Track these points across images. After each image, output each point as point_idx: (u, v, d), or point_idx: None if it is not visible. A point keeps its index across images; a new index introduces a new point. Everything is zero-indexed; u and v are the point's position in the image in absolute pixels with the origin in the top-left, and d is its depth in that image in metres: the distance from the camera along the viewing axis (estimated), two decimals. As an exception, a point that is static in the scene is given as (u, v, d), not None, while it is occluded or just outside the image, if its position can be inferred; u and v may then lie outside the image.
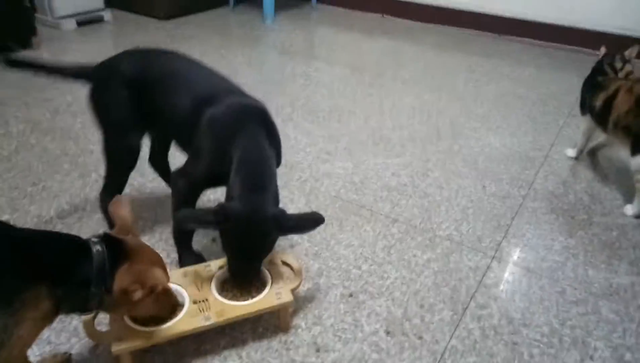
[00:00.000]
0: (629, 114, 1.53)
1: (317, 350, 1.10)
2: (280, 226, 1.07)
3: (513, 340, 1.14)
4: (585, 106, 1.77)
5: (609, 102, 1.62)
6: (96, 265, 0.83)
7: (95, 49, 2.87)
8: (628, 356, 1.11)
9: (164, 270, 0.96)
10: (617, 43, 2.70)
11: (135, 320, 1.00)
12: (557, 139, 2.04)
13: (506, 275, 1.33)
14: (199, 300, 1.07)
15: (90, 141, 1.89)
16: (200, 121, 1.19)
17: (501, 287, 1.29)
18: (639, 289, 1.29)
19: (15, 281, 0.76)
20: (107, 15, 3.35)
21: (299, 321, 1.16)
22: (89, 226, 1.44)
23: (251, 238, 1.07)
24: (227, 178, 1.12)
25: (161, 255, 1.00)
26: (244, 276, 1.12)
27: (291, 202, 1.59)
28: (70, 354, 1.06)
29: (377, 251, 1.39)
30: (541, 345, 1.13)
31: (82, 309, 0.87)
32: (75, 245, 0.86)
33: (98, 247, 0.85)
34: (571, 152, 1.91)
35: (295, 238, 1.42)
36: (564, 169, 1.84)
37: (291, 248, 1.39)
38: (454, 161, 1.86)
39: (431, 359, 1.08)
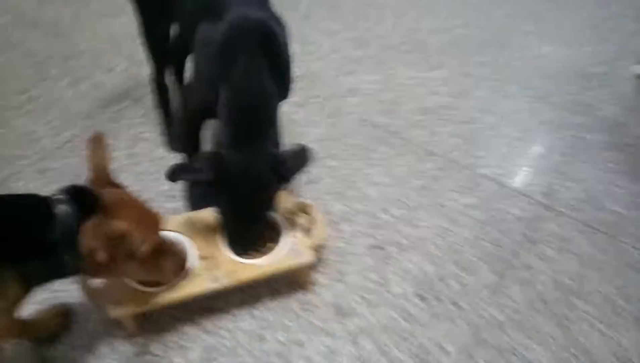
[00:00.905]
0: None
1: (339, 314, 0.98)
2: (280, 175, 0.90)
3: (565, 314, 1.00)
4: None
5: None
6: (61, 228, 0.67)
7: None
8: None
9: (152, 226, 0.80)
10: None
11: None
12: (622, 51, 1.73)
13: (557, 228, 1.16)
14: (207, 256, 0.93)
15: (81, 37, 1.64)
16: (194, 37, 0.95)
17: (551, 244, 1.13)
18: None
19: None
20: None
21: (319, 276, 1.04)
22: (81, 149, 1.27)
23: (246, 193, 0.89)
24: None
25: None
26: (243, 242, 0.95)
27: (311, 124, 1.38)
28: (70, 307, 0.95)
29: (409, 192, 1.22)
30: (596, 322, 0.99)
31: (58, 276, 0.74)
32: (33, 209, 0.69)
33: (63, 207, 0.68)
34: (639, 68, 1.63)
35: (313, 171, 1.23)
36: (630, 91, 1.57)
37: (309, 185, 1.21)
38: (501, 76, 1.59)
39: (468, 332, 0.96)
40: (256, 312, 0.98)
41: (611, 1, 2.03)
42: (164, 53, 1.19)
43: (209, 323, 0.96)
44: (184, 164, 0.96)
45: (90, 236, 0.69)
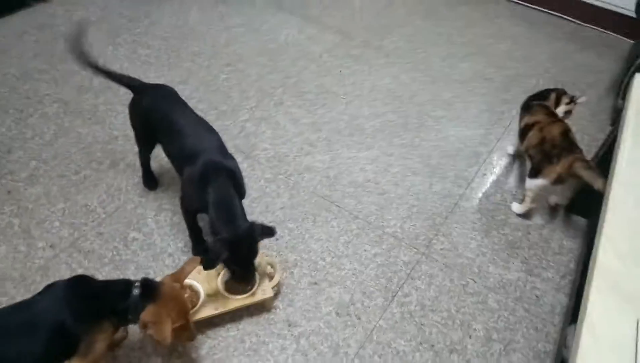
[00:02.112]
0: (534, 148, 1.92)
1: (289, 325, 1.66)
2: (257, 235, 1.53)
3: (421, 322, 1.69)
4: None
5: (526, 130, 2.00)
6: (131, 303, 1.32)
7: (102, 1, 3.07)
8: (495, 335, 1.67)
9: (184, 309, 1.41)
10: (608, 18, 2.95)
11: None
12: (506, 132, 2.43)
13: (428, 269, 1.85)
14: (211, 294, 1.60)
15: (114, 125, 2.29)
16: (183, 174, 1.62)
17: (422, 279, 1.81)
18: (520, 284, 1.82)
19: (92, 317, 1.27)
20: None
21: (278, 303, 1.71)
22: (125, 217, 1.92)
23: (245, 251, 1.56)
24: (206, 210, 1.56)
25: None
26: (248, 279, 1.62)
27: (277, 196, 2.05)
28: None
29: (339, 246, 1.90)
30: (439, 326, 1.68)
31: (125, 324, 1.39)
32: (123, 289, 1.34)
33: (136, 291, 1.34)
34: (510, 149, 2.31)
35: (278, 231, 1.88)
36: (500, 168, 2.27)
37: (275, 241, 1.88)
38: (412, 155, 2.28)
39: (364, 335, 1.65)
40: (239, 325, 1.65)
41: (510, 85, 2.72)
42: (147, 153, 1.94)
43: (211, 333, 1.62)
44: (211, 254, 1.51)
45: (148, 317, 1.33)
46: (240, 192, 1.64)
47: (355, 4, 3.28)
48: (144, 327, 1.29)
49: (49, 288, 1.29)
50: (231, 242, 1.49)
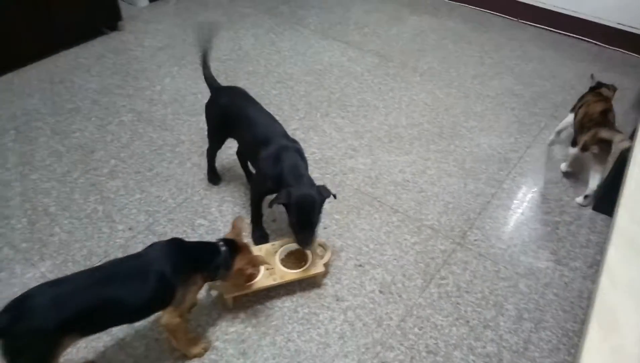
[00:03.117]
0: (578, 122, 2.28)
1: (337, 299, 1.86)
2: (320, 196, 1.75)
3: (457, 301, 1.86)
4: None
5: (577, 111, 2.36)
6: (223, 257, 1.57)
7: (168, 29, 3.47)
8: (526, 315, 1.82)
9: (255, 253, 1.69)
10: (631, 41, 3.17)
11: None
12: (534, 141, 2.62)
13: (463, 256, 2.03)
14: (269, 268, 1.82)
15: (181, 131, 2.60)
16: (259, 157, 1.87)
17: (458, 265, 1.99)
18: (549, 272, 1.97)
19: (189, 270, 1.51)
20: (172, -11, 3.89)
21: (326, 280, 1.91)
22: (192, 207, 2.19)
23: (307, 209, 1.74)
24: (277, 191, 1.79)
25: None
26: (307, 240, 1.79)
27: (325, 192, 2.28)
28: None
29: (381, 235, 2.10)
30: (473, 305, 1.85)
31: (213, 279, 1.63)
32: (213, 248, 1.59)
33: (223, 247, 1.58)
34: (564, 166, 2.45)
35: (327, 221, 2.13)
36: (530, 172, 2.45)
37: (324, 230, 2.11)
38: (447, 160, 2.49)
39: (405, 310, 1.83)
40: (293, 298, 1.86)
41: (538, 100, 2.92)
42: (216, 149, 2.21)
43: (268, 303, 1.84)
44: (278, 199, 1.76)
45: (242, 262, 1.58)
46: (306, 167, 1.88)
47: (392, 32, 3.58)
48: (240, 271, 1.58)
49: (150, 246, 1.54)
50: (298, 196, 1.71)
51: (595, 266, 2.00)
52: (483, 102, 2.90)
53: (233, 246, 1.59)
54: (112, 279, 1.40)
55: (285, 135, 1.91)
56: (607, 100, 2.30)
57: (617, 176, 1.98)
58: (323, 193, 1.77)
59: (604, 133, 2.08)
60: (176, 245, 1.54)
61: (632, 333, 1.04)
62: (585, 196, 2.24)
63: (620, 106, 2.83)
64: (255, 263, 1.64)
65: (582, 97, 2.43)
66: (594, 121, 2.16)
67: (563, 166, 2.43)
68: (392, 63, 3.22)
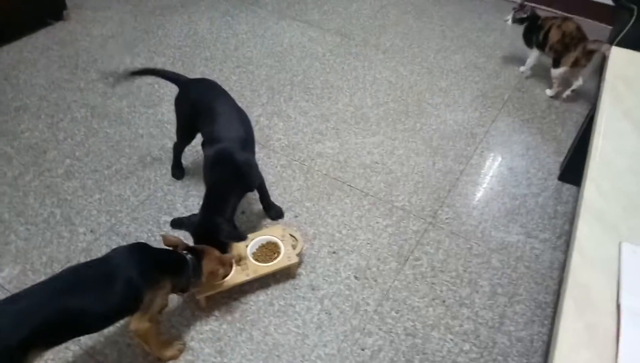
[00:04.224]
0: (558, 43, 2.53)
1: (312, 289, 1.83)
2: (220, 234, 1.65)
3: (432, 282, 1.86)
4: (531, 42, 2.73)
5: (545, 35, 2.60)
6: (191, 266, 1.51)
7: (117, 16, 3.29)
8: (500, 290, 1.84)
9: (218, 253, 1.63)
10: (589, 8, 3.23)
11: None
12: (499, 114, 2.62)
13: (435, 236, 2.02)
14: (241, 263, 1.77)
15: (138, 125, 2.48)
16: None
17: (431, 245, 1.99)
18: (520, 245, 2.00)
19: (156, 274, 1.44)
20: (120, -26, 3.68)
21: (301, 270, 1.88)
22: (156, 203, 2.10)
23: (204, 241, 1.65)
24: None
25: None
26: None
27: (293, 179, 2.23)
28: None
29: (353, 219, 2.07)
30: (448, 284, 1.85)
31: (184, 290, 1.56)
32: (179, 257, 1.52)
33: (189, 256, 1.52)
34: (523, 68, 2.86)
35: (297, 209, 2.09)
36: (497, 146, 2.46)
37: (295, 218, 2.06)
38: (415, 139, 2.47)
39: (381, 294, 1.82)
40: (268, 290, 1.82)
41: (500, 72, 2.92)
42: (185, 145, 2.12)
43: (242, 298, 1.79)
44: (180, 221, 1.70)
45: (210, 266, 1.52)
46: (246, 183, 1.80)
47: (352, 8, 3.50)
48: (212, 274, 1.54)
49: (113, 251, 1.46)
50: (197, 229, 1.66)
51: (564, 236, 2.03)
52: (447, 77, 2.88)
53: (195, 252, 1.53)
54: (75, 288, 1.32)
55: (241, 140, 1.79)
56: (569, 17, 2.64)
57: (580, 146, 2.01)
58: (224, 234, 1.64)
59: (592, 45, 2.44)
60: (141, 249, 1.47)
61: (606, 309, 1.05)
62: (573, 90, 2.62)
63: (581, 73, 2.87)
64: (224, 261, 1.58)
65: (537, 26, 2.66)
66: (576, 37, 2.48)
67: (550, 92, 2.71)
68: (353, 41, 3.16)
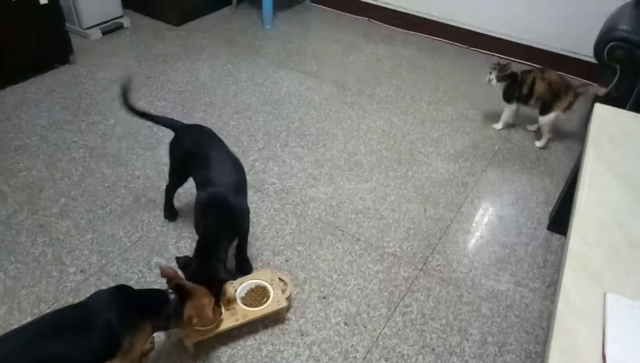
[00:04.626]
0: (545, 92, 2.68)
1: (302, 334, 1.81)
2: (219, 276, 1.67)
3: (422, 329, 1.85)
4: (513, 97, 2.82)
5: (530, 88, 2.73)
6: (172, 306, 1.50)
7: (122, 62, 3.40)
8: (490, 339, 1.83)
9: (210, 297, 1.62)
10: (558, 61, 3.38)
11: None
12: (490, 164, 2.68)
13: (426, 282, 2.03)
14: (230, 308, 1.76)
15: (135, 166, 2.52)
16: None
17: (421, 292, 1.99)
18: (510, 294, 2.00)
19: (135, 317, 1.43)
20: (126, 21, 3.84)
21: (290, 315, 1.87)
22: (148, 244, 2.11)
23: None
24: None
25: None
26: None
27: (286, 223, 2.25)
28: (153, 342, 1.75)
29: (344, 264, 2.08)
30: (438, 332, 1.84)
31: (165, 329, 1.55)
32: (161, 296, 1.52)
33: (172, 296, 1.51)
34: (498, 125, 2.94)
35: (288, 253, 2.10)
36: (487, 195, 2.50)
37: (286, 262, 2.07)
38: (407, 186, 2.51)
39: (370, 341, 1.80)
40: (256, 335, 1.80)
41: (491, 123, 3.01)
42: (176, 187, 2.14)
43: (231, 343, 1.77)
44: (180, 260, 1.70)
45: (190, 311, 1.51)
46: (238, 230, 1.83)
47: (349, 60, 3.64)
48: (190, 320, 1.49)
49: (94, 294, 1.46)
50: (191, 273, 1.65)
51: (553, 285, 2.04)
52: (439, 127, 2.96)
53: (184, 292, 1.53)
54: (53, 333, 1.31)
55: (234, 186, 1.82)
56: (545, 69, 2.80)
57: (568, 197, 2.05)
58: (217, 275, 1.66)
59: (581, 89, 2.67)
60: (121, 292, 1.46)
61: (592, 359, 1.05)
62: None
63: (567, 125, 2.96)
64: (201, 313, 1.53)
65: (518, 82, 2.78)
66: (563, 84, 2.66)
67: (540, 143, 2.83)
68: (349, 91, 3.26)
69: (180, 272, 1.64)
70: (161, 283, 1.87)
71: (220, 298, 1.69)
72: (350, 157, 2.68)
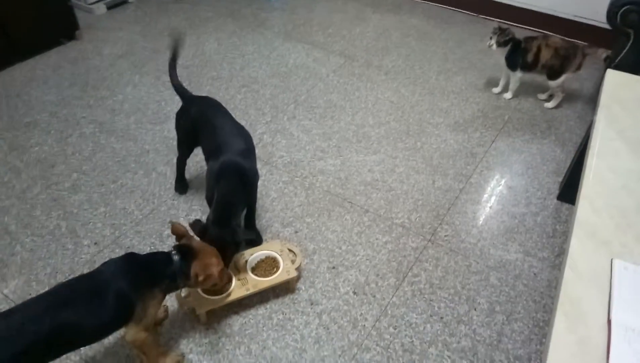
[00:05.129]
0: (552, 58, 2.67)
1: (311, 304, 1.84)
2: (237, 238, 1.71)
3: (431, 298, 1.87)
4: (517, 65, 2.79)
5: (536, 55, 2.71)
6: (176, 267, 1.52)
7: (127, 37, 3.39)
8: (498, 308, 1.85)
9: (218, 258, 1.65)
10: (570, 27, 3.31)
11: (205, 291, 1.73)
12: (500, 134, 2.66)
13: (434, 253, 2.04)
14: (241, 278, 1.80)
15: (145, 141, 2.54)
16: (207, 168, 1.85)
17: (430, 262, 2.00)
18: (519, 263, 2.01)
19: (144, 285, 1.46)
20: (131, -5, 3.81)
21: (300, 285, 1.90)
22: (159, 217, 2.14)
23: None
24: None
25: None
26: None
27: (295, 196, 2.27)
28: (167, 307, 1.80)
29: (353, 236, 2.10)
30: (446, 301, 1.86)
31: (175, 289, 1.58)
32: (166, 258, 1.54)
33: (176, 257, 1.54)
34: (507, 95, 2.91)
35: (298, 225, 2.12)
36: (497, 165, 2.49)
37: (295, 233, 2.09)
38: (415, 157, 2.50)
39: (379, 310, 1.83)
40: (267, 305, 1.84)
41: (500, 95, 2.97)
42: (185, 157, 2.16)
43: (242, 312, 1.81)
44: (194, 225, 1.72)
45: (196, 269, 1.54)
46: (251, 194, 1.84)
47: (356, 31, 3.59)
48: (196, 277, 1.49)
49: (104, 264, 1.49)
50: (210, 238, 1.65)
51: (562, 255, 2.04)
52: (448, 98, 2.93)
53: (188, 252, 1.54)
54: (67, 302, 1.34)
55: (243, 152, 1.82)
56: (547, 34, 2.89)
57: (578, 166, 2.03)
58: (237, 237, 1.70)
59: (589, 50, 2.68)
60: (130, 260, 1.49)
61: (597, 324, 1.06)
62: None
63: (580, 98, 2.91)
64: (207, 271, 1.53)
65: (521, 49, 2.75)
66: (571, 46, 2.66)
67: (551, 104, 2.86)
68: (356, 63, 3.22)
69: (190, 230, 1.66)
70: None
71: (229, 262, 1.73)
72: (359, 129, 2.67)
